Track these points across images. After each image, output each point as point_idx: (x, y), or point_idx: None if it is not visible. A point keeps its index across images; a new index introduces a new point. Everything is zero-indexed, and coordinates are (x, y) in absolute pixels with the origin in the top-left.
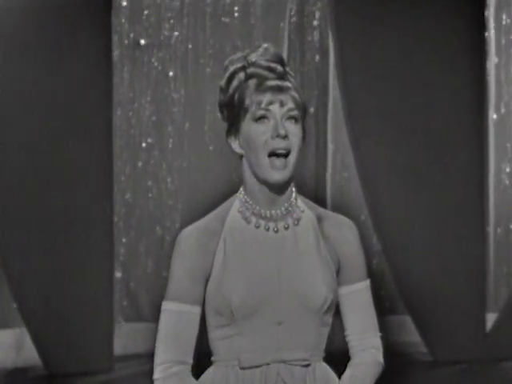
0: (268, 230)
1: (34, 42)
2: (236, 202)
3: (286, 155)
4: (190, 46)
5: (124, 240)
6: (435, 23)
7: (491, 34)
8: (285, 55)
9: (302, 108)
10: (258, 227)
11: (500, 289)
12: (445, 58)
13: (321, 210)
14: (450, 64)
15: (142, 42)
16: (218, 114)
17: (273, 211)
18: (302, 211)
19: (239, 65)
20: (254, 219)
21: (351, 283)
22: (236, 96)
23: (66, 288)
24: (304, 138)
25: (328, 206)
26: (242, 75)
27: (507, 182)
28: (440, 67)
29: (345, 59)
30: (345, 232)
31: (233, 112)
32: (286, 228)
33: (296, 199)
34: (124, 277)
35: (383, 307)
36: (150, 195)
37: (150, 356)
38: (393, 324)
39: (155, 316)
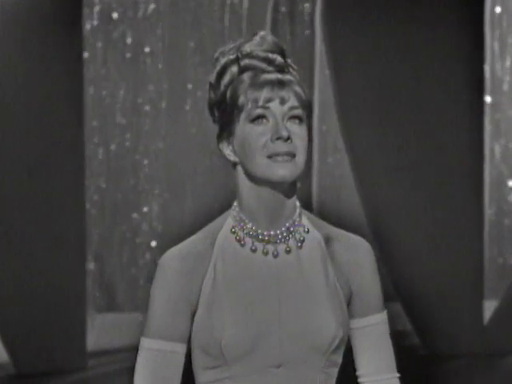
0: (266, 254)
1: None
2: (228, 220)
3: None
4: (167, 19)
5: (97, 228)
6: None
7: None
8: (268, 28)
9: (308, 106)
10: (254, 251)
11: (497, 280)
12: (440, 41)
13: (330, 228)
14: (446, 49)
15: (115, 15)
16: (208, 113)
17: (272, 232)
18: (307, 231)
19: (231, 56)
20: (249, 241)
21: (365, 315)
22: (228, 93)
23: (36, 280)
24: (310, 140)
25: (314, 189)
26: (234, 68)
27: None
28: (435, 49)
29: (334, 38)
30: (358, 255)
31: (225, 112)
32: (288, 252)
33: (300, 216)
34: (97, 267)
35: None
36: (125, 180)
37: (125, 351)
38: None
39: (130, 306)
